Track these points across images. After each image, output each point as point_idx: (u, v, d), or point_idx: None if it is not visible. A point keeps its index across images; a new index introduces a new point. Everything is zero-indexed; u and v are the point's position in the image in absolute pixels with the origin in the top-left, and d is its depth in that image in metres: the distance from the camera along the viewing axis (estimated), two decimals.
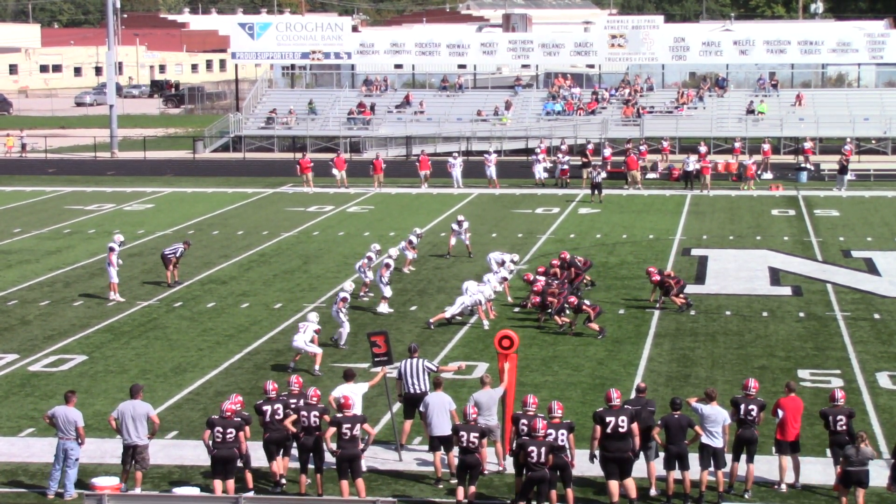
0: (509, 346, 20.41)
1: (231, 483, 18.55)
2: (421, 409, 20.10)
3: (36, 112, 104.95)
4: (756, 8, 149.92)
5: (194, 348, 27.72)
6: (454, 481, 19.06)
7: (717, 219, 45.65)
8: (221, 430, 18.47)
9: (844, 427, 18.72)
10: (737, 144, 60.43)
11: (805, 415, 19.92)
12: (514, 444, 18.33)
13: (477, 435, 18.37)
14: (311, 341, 25.65)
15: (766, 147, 58.38)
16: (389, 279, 31.17)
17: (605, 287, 33.73)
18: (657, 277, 31.00)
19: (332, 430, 18.46)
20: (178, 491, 17.76)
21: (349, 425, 18.33)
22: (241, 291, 33.60)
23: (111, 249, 32.73)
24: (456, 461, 18.96)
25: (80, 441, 19.05)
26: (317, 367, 25.51)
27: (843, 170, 53.56)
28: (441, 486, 19.39)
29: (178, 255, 34.08)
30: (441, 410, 19.55)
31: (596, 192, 50.33)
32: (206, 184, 57.29)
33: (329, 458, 19.28)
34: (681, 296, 30.89)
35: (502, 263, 32.51)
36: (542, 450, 17.63)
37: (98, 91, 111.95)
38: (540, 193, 52.96)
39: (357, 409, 19.30)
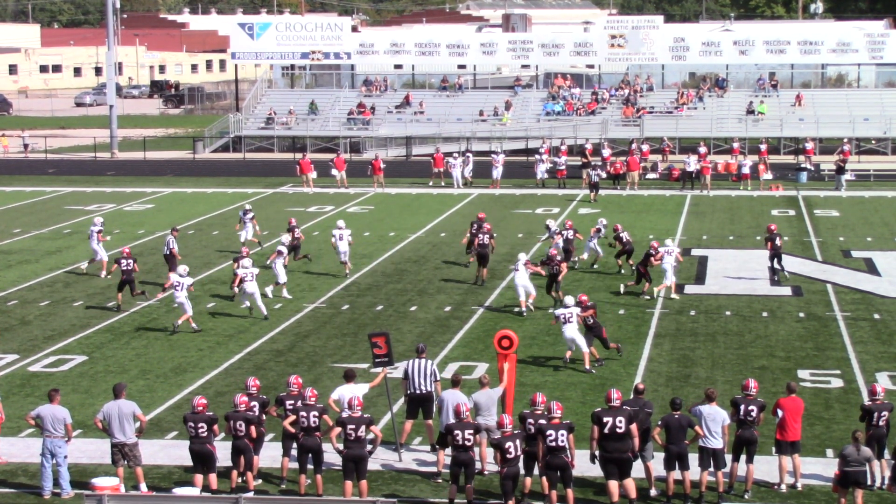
0: (509, 346, 20.44)
1: (213, 477, 18.59)
2: (436, 403, 20.13)
3: (36, 112, 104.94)
4: (756, 8, 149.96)
5: (194, 348, 27.73)
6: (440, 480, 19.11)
7: (717, 219, 45.67)
8: (193, 424, 18.59)
9: (885, 422, 19.00)
10: (735, 145, 60.43)
11: (805, 415, 19.92)
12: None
13: (471, 432, 18.38)
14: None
15: (763, 147, 58.36)
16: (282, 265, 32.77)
17: (605, 287, 33.75)
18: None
19: (338, 429, 18.47)
20: (179, 491, 17.77)
21: (354, 426, 18.34)
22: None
23: (99, 231, 35.40)
24: (447, 460, 18.99)
25: (67, 438, 19.09)
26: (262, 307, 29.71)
27: (839, 170, 53.63)
28: (440, 480, 19.42)
29: (174, 246, 34.27)
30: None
31: (593, 191, 50.47)
32: (206, 184, 57.31)
33: (328, 458, 19.31)
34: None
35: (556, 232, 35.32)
36: (517, 442, 17.85)
37: (98, 91, 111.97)
38: (540, 194, 52.98)
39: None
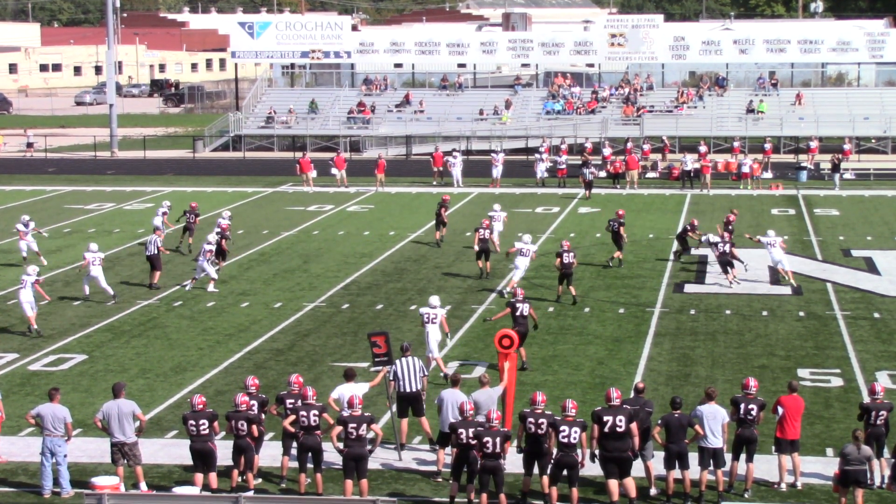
0: (509, 345, 20.44)
1: (213, 476, 18.61)
2: (436, 402, 20.16)
3: (36, 111, 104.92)
4: (756, 7, 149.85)
5: (194, 347, 27.73)
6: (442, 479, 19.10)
7: (718, 218, 45.51)
8: (195, 422, 18.61)
9: (883, 421, 19.01)
10: (735, 144, 60.44)
11: (805, 414, 19.92)
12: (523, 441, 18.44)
13: (475, 430, 18.39)
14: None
15: (768, 146, 58.45)
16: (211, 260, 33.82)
17: (605, 286, 33.76)
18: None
19: (339, 428, 18.48)
20: (179, 490, 17.78)
21: (355, 425, 18.34)
22: (241, 290, 33.61)
23: (21, 231, 37.18)
24: (447, 459, 18.97)
25: (67, 437, 19.09)
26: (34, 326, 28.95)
27: (834, 167, 53.71)
28: (440, 479, 19.43)
29: (157, 244, 34.09)
30: (455, 407, 19.48)
31: (587, 189, 50.58)
32: (205, 183, 57.29)
33: (328, 457, 19.30)
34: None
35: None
36: (497, 440, 17.85)
37: (98, 90, 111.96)
38: (540, 193, 52.99)
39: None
